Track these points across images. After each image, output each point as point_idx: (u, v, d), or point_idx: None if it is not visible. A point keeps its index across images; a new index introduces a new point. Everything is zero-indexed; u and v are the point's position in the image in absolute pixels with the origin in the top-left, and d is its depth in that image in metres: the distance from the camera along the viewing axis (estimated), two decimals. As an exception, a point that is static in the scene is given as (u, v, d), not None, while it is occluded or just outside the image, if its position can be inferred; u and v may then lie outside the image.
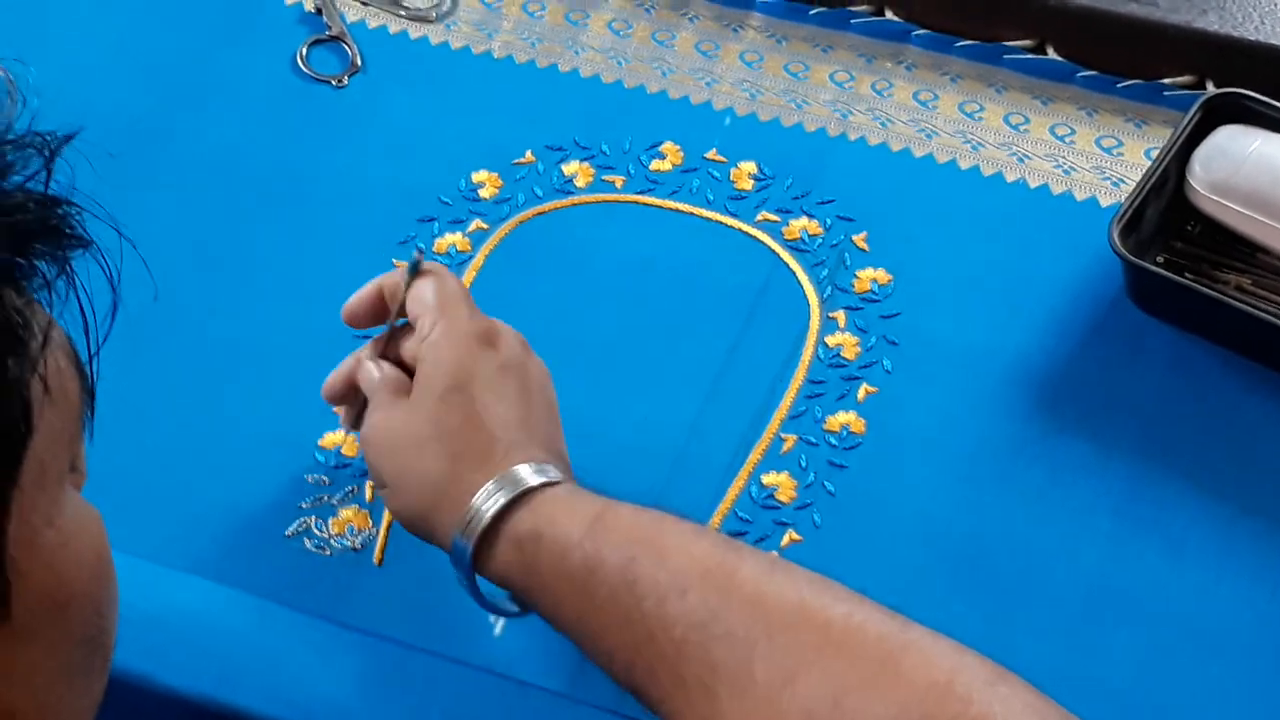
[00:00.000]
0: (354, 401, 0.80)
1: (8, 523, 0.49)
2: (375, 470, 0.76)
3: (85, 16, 1.11)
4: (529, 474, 0.71)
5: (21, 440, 0.49)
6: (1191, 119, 0.92)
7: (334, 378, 0.81)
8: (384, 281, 0.80)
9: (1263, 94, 0.93)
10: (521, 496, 0.71)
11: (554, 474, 0.72)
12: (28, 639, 0.51)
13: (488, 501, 0.71)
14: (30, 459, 0.49)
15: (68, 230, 0.51)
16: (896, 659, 0.62)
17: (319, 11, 1.10)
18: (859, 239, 0.96)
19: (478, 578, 0.72)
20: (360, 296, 0.80)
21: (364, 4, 1.11)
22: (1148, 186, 0.90)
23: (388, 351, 0.79)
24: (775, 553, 0.82)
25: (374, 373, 0.78)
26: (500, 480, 0.71)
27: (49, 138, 0.52)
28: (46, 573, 0.51)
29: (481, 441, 0.73)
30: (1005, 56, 1.04)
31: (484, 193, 0.99)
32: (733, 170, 1.00)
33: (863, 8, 1.07)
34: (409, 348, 0.78)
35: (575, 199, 0.99)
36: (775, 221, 0.97)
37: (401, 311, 0.78)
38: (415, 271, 0.78)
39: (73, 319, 0.54)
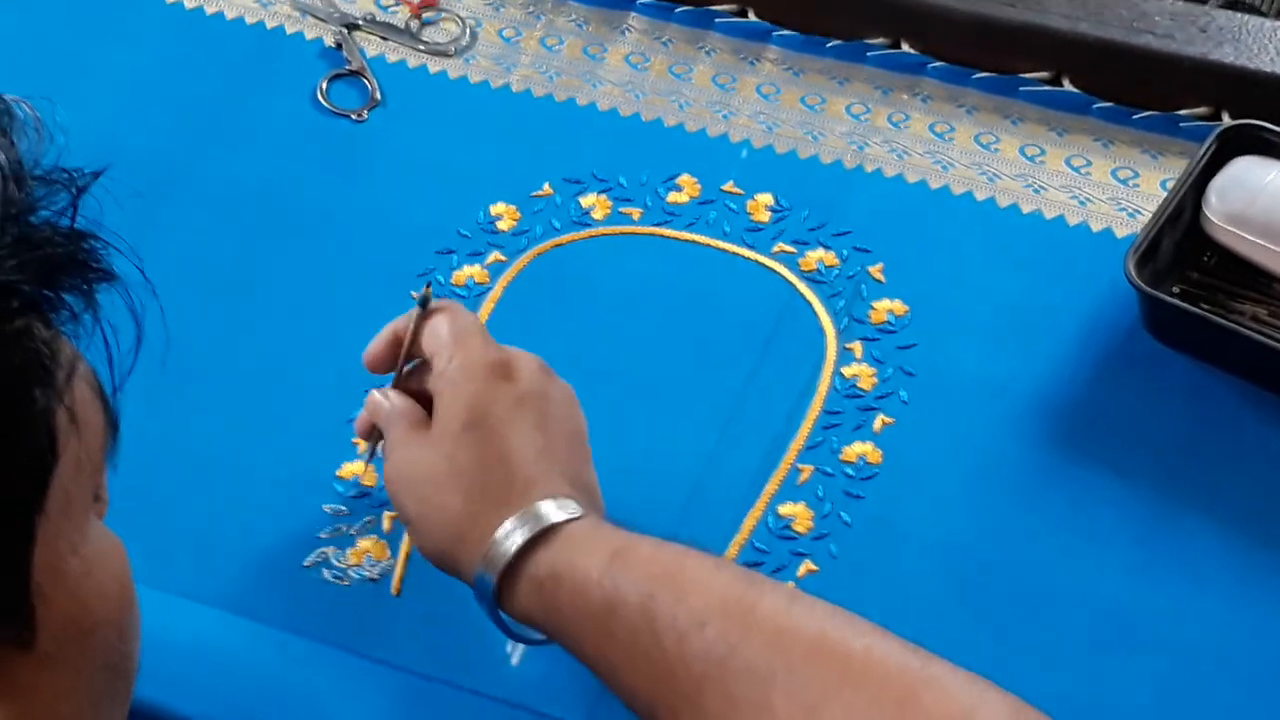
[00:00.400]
0: (373, 435, 0.81)
1: (33, 550, 0.49)
2: (398, 507, 0.77)
3: (109, 55, 1.12)
4: (549, 511, 0.72)
5: (47, 469, 0.50)
6: (1207, 150, 0.93)
7: (361, 414, 0.81)
8: (398, 324, 0.80)
9: (1278, 125, 0.93)
10: (542, 535, 0.71)
11: (573, 508, 0.72)
12: (52, 665, 0.52)
13: (507, 540, 0.71)
14: (55, 488, 0.50)
15: (94, 264, 0.52)
16: (917, 693, 0.62)
17: (339, 47, 1.11)
18: (875, 270, 0.96)
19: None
20: (377, 342, 0.80)
21: (384, 39, 1.12)
22: (1163, 217, 0.90)
23: (407, 386, 0.79)
24: (794, 585, 0.82)
25: (384, 404, 0.78)
26: (520, 519, 0.71)
27: (76, 174, 0.53)
28: (71, 600, 0.52)
29: (500, 478, 0.73)
30: (1021, 89, 1.04)
31: (502, 225, 1.00)
32: (749, 202, 1.00)
33: (879, 40, 1.08)
34: (428, 381, 0.78)
35: (593, 231, 1.00)
36: (792, 253, 0.97)
37: (415, 349, 0.79)
38: (424, 306, 0.79)
39: (97, 352, 0.54)
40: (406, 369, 0.80)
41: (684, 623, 0.66)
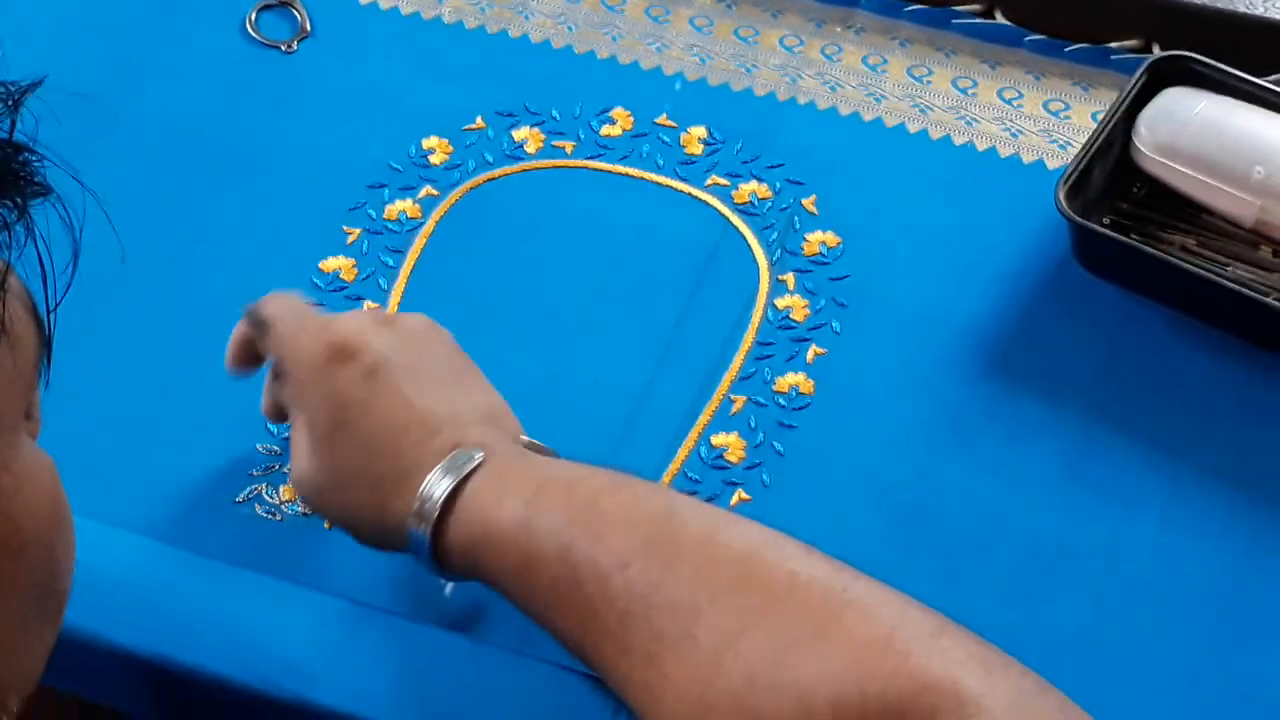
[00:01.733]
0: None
1: None
2: (322, 515, 0.78)
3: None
4: (444, 480, 0.70)
5: None
6: (1137, 82, 0.93)
7: (264, 401, 0.81)
8: (242, 330, 0.80)
9: (1209, 57, 0.93)
10: (450, 501, 0.70)
11: (470, 462, 0.71)
12: None
13: (420, 524, 0.71)
14: None
15: (29, 176, 0.51)
16: (839, 616, 0.63)
17: (268, -23, 1.10)
18: (808, 202, 0.96)
19: None
20: (231, 350, 0.80)
21: (313, -30, 1.11)
22: (1093, 148, 0.90)
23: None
24: (721, 508, 0.82)
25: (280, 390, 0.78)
26: (422, 496, 0.70)
27: (12, 86, 0.52)
28: (1, 518, 0.51)
29: (388, 462, 0.72)
30: (954, 21, 1.04)
31: (434, 159, 0.99)
32: (682, 135, 1.00)
33: (812, -27, 1.08)
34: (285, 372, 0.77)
35: (526, 165, 0.99)
36: (725, 185, 0.97)
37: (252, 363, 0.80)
38: (256, 319, 0.78)
39: (32, 270, 0.53)
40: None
41: (605, 564, 0.66)
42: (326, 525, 0.81)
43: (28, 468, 0.53)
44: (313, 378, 0.74)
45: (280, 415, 0.81)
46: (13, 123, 0.52)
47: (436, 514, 0.70)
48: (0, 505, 0.51)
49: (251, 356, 0.80)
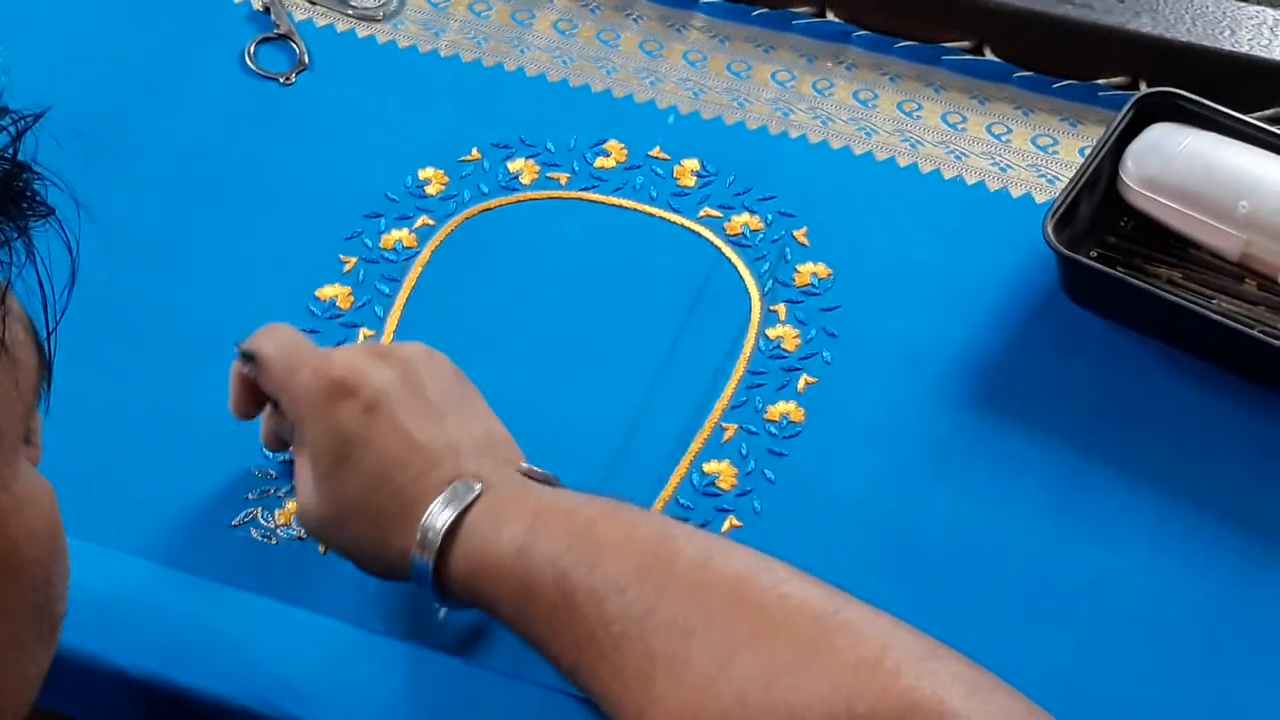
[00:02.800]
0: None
1: None
2: (328, 547, 0.80)
3: (40, 9, 1.11)
4: (445, 512, 0.72)
5: None
6: (1124, 117, 0.94)
7: (263, 431, 0.83)
8: (237, 369, 0.81)
9: (1194, 93, 0.95)
10: (451, 532, 0.71)
11: (469, 494, 0.72)
12: None
13: (422, 554, 0.72)
14: None
15: (30, 196, 0.52)
16: (830, 637, 0.63)
17: (267, 10, 1.11)
18: (800, 234, 0.97)
19: None
20: (233, 395, 0.81)
21: (311, 3, 1.12)
22: (1081, 182, 0.92)
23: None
24: (714, 534, 0.83)
25: (282, 422, 0.79)
26: (423, 528, 0.72)
27: (16, 114, 0.53)
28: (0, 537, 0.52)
29: (388, 496, 0.73)
30: (944, 57, 1.06)
31: (430, 189, 1.00)
32: (676, 167, 1.01)
33: (804, 9, 1.09)
34: (284, 408, 0.78)
35: (520, 195, 1.00)
36: (717, 217, 0.99)
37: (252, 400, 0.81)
38: (249, 357, 0.79)
39: (32, 294, 0.54)
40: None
41: (601, 590, 0.67)
42: (322, 550, 0.82)
43: (27, 490, 0.54)
44: (313, 415, 0.75)
45: (280, 445, 0.82)
46: (16, 145, 0.52)
47: (439, 545, 0.71)
48: None
49: (255, 397, 0.81)
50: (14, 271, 0.52)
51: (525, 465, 0.76)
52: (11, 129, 0.52)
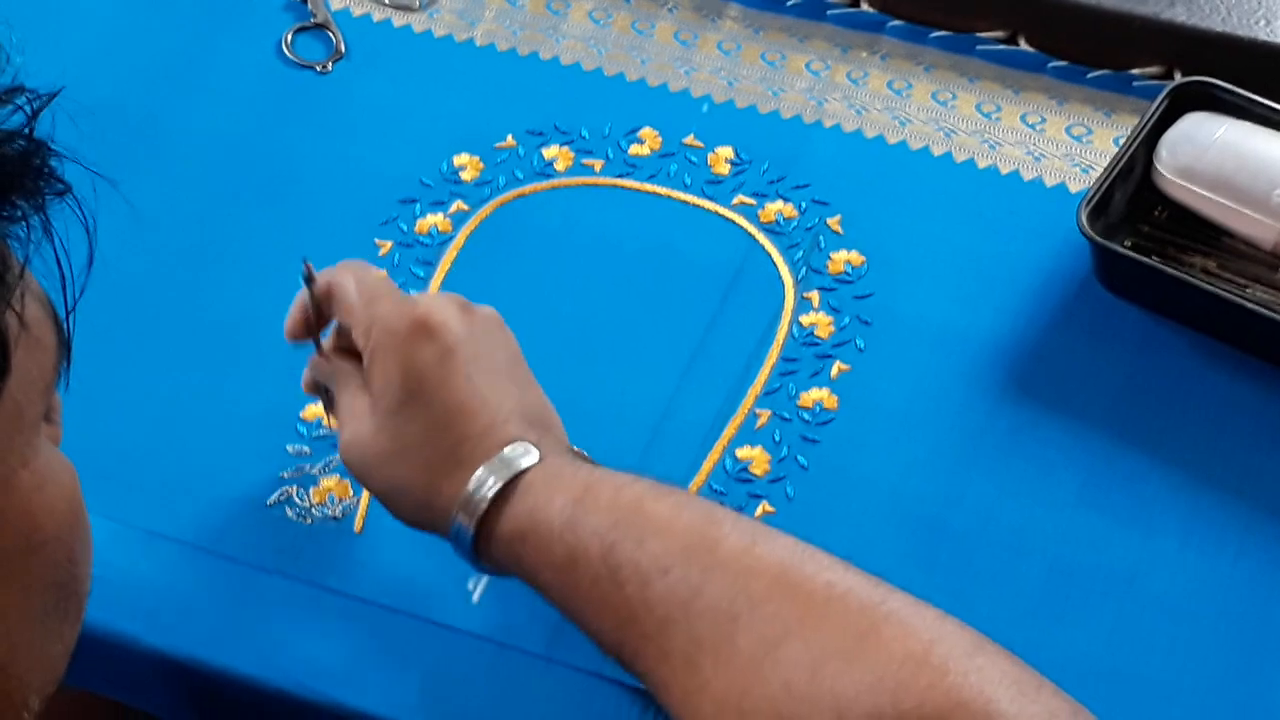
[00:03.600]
0: (320, 391, 0.82)
1: None
2: (362, 484, 0.78)
3: (66, 1, 1.12)
4: (500, 472, 0.72)
5: (0, 376, 0.50)
6: (1159, 106, 0.94)
7: (306, 372, 0.82)
8: (303, 297, 0.80)
9: (1228, 83, 0.95)
10: (501, 494, 0.71)
11: (527, 455, 0.72)
12: (1, 578, 0.52)
13: (466, 511, 0.72)
14: (6, 399, 0.50)
15: (48, 172, 0.52)
16: (877, 628, 0.63)
17: (304, 0, 1.11)
18: (833, 222, 0.97)
19: None
20: (290, 315, 0.80)
21: (348, -8, 1.12)
22: (1115, 171, 0.92)
23: (339, 347, 0.79)
24: (758, 520, 0.83)
25: (324, 365, 0.79)
26: (477, 482, 0.72)
27: (31, 94, 0.53)
28: (20, 513, 0.52)
29: (449, 444, 0.73)
30: (978, 47, 1.06)
31: (465, 175, 1.01)
32: (710, 155, 1.01)
33: (838, -1, 1.09)
34: (356, 338, 0.77)
35: (555, 182, 1.01)
36: (751, 205, 0.99)
37: (325, 318, 0.79)
38: (308, 281, 0.79)
39: (51, 273, 0.55)
40: (325, 338, 0.80)
41: (646, 568, 0.67)
42: (358, 528, 0.82)
43: (48, 467, 0.54)
44: (390, 347, 0.75)
45: (316, 389, 0.82)
46: (32, 123, 0.53)
47: (487, 504, 0.71)
48: (19, 502, 0.52)
49: (307, 322, 0.80)
50: (32, 249, 0.52)
51: (571, 446, 0.77)
52: (28, 108, 0.52)
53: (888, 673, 0.62)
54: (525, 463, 0.72)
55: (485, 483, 0.72)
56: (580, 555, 0.69)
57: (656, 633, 0.67)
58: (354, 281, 0.78)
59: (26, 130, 0.52)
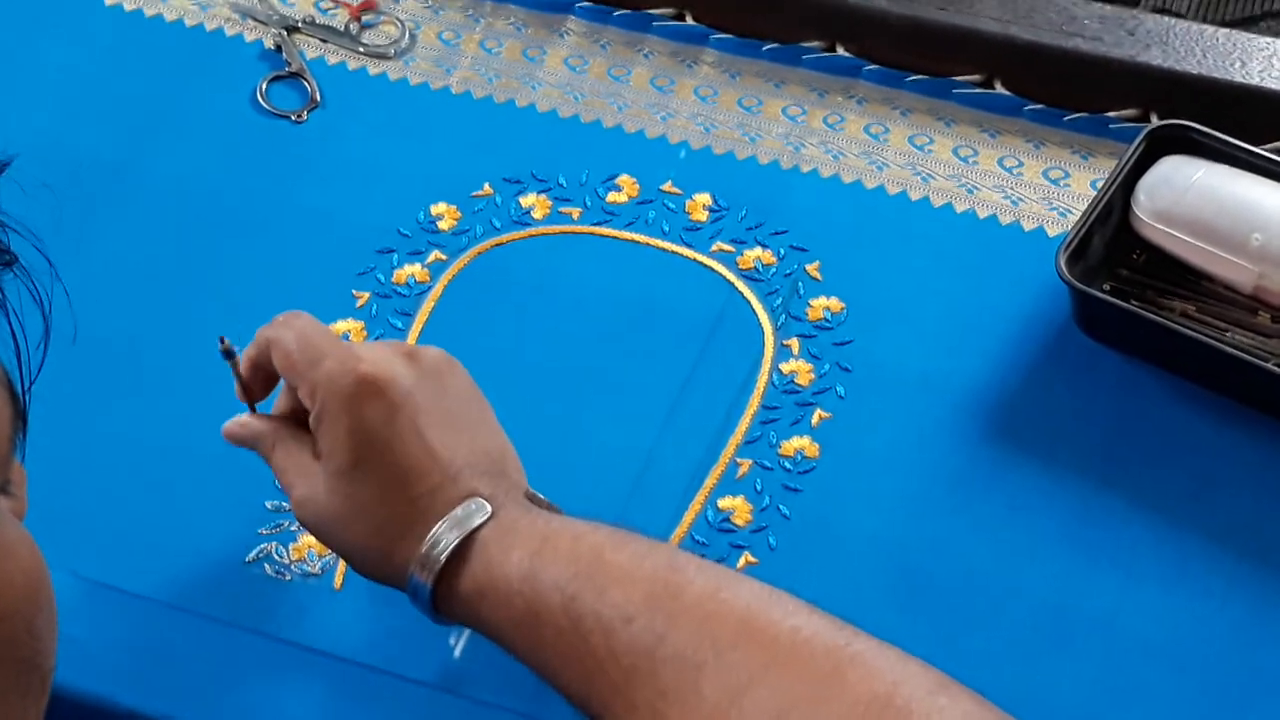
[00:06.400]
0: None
1: None
2: (320, 541, 0.77)
3: (48, 56, 1.11)
4: (453, 531, 0.71)
5: None
6: (1136, 149, 0.94)
7: (230, 427, 0.81)
8: (252, 355, 0.79)
9: (1205, 125, 0.95)
10: (457, 551, 0.71)
11: (480, 514, 0.71)
12: None
13: (423, 571, 0.71)
14: None
15: None
16: (842, 672, 0.63)
17: (278, 49, 1.11)
18: (812, 268, 0.97)
19: None
20: (237, 386, 0.80)
21: (323, 41, 1.12)
22: (1093, 215, 0.92)
23: (281, 406, 0.79)
24: (723, 565, 0.82)
25: (241, 432, 0.78)
26: (431, 542, 0.71)
27: None
28: None
29: (402, 504, 0.72)
30: (954, 91, 1.06)
31: (442, 225, 1.01)
32: (688, 202, 1.01)
33: (815, 44, 1.09)
34: (301, 397, 0.76)
35: (533, 230, 1.00)
36: (730, 252, 0.99)
37: (261, 390, 0.79)
38: (229, 357, 0.78)
39: (5, 347, 0.54)
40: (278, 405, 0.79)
41: (609, 618, 0.67)
42: (337, 585, 0.82)
43: (3, 541, 0.53)
44: (338, 408, 0.73)
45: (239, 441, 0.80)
46: None
47: (441, 564, 0.71)
48: None
49: (262, 381, 0.79)
50: None
51: (529, 490, 0.76)
52: None
53: (853, 715, 0.61)
54: (479, 519, 0.71)
55: (439, 543, 0.71)
56: (542, 609, 0.68)
57: (623, 683, 0.66)
58: (295, 338, 0.76)
59: None
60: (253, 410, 0.79)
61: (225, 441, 0.83)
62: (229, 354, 0.78)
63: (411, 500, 0.72)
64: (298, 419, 0.77)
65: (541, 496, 0.76)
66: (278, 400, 0.80)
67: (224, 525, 0.86)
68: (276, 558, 0.84)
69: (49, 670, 0.57)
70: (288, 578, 0.84)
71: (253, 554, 0.85)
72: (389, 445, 0.73)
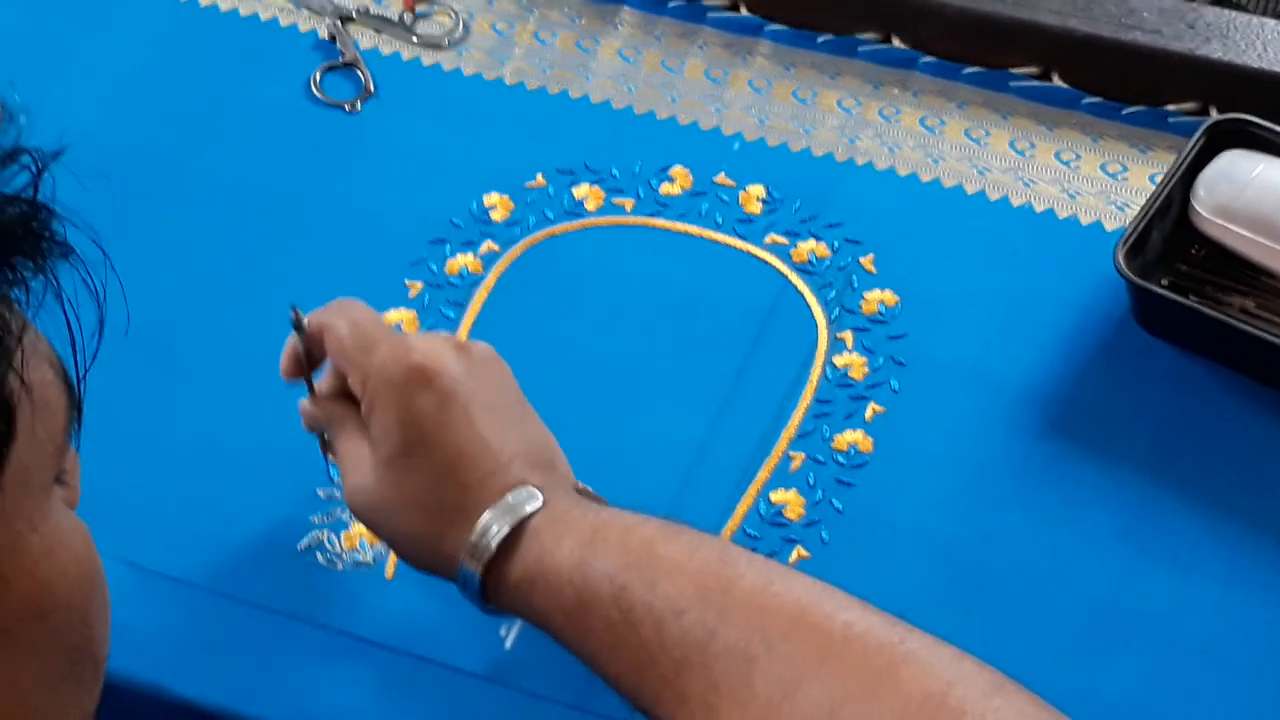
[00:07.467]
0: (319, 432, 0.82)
1: None
2: (370, 531, 0.77)
3: (104, 46, 1.12)
4: (504, 518, 0.71)
5: (3, 441, 0.49)
6: (1196, 144, 0.93)
7: (304, 418, 0.81)
8: (294, 341, 0.79)
9: (1265, 120, 0.94)
10: (507, 540, 0.70)
11: (531, 503, 0.71)
12: (12, 644, 0.51)
13: (473, 558, 0.71)
14: (14, 463, 0.49)
15: (48, 235, 0.51)
16: (895, 669, 0.62)
17: (333, 39, 1.11)
18: (866, 261, 0.97)
19: None
20: (284, 358, 0.80)
21: (377, 32, 1.12)
22: (1153, 210, 0.91)
23: (333, 388, 0.78)
24: (774, 560, 0.82)
25: (314, 413, 0.78)
26: (482, 529, 0.71)
27: (36, 153, 0.52)
28: (29, 579, 0.51)
29: (452, 492, 0.72)
30: (1011, 83, 1.05)
31: (495, 215, 1.00)
32: (741, 194, 1.01)
33: (870, 35, 1.08)
34: (352, 384, 0.76)
35: (585, 221, 1.00)
36: (783, 244, 0.98)
37: (314, 364, 0.78)
38: (298, 328, 0.78)
39: (61, 335, 0.54)
40: (319, 379, 0.79)
41: (660, 610, 0.66)
42: (389, 575, 0.82)
43: (58, 531, 0.53)
44: (387, 397, 0.73)
45: (317, 427, 0.81)
46: (36, 185, 0.52)
47: (492, 551, 0.70)
48: (27, 567, 0.51)
49: (302, 367, 0.79)
50: (36, 310, 0.51)
51: (577, 484, 0.76)
52: (31, 169, 0.52)
53: (906, 713, 0.61)
54: (530, 507, 0.71)
55: (490, 529, 0.71)
56: (592, 599, 0.68)
57: (674, 676, 0.66)
58: (347, 326, 0.76)
59: (28, 193, 0.51)
60: (310, 388, 0.79)
61: (276, 431, 0.84)
62: (300, 325, 0.78)
63: (462, 487, 0.72)
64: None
65: (589, 489, 0.76)
66: (321, 381, 0.80)
67: (276, 513, 0.86)
68: (328, 546, 0.84)
69: (103, 659, 0.57)
70: (339, 566, 0.84)
71: (305, 542, 0.85)
72: (439, 433, 0.73)
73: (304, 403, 0.80)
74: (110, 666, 0.58)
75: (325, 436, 0.81)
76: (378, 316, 0.78)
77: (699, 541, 0.70)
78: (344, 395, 0.78)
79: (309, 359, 0.78)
